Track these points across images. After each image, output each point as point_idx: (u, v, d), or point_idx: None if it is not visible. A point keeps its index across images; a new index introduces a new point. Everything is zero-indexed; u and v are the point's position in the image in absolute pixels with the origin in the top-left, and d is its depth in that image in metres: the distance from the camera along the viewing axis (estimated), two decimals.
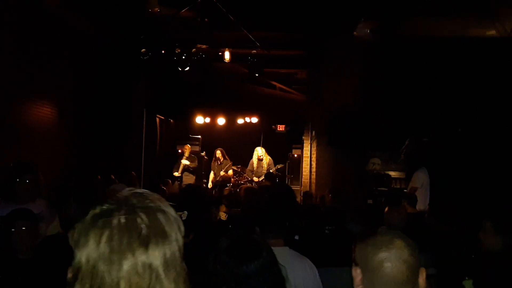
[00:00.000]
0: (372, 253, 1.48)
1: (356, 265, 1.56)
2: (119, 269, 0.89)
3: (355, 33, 6.85)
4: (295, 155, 10.67)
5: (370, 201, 8.44)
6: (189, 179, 10.08)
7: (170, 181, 8.87)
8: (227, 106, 11.49)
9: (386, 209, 4.19)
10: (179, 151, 11.05)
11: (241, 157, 10.60)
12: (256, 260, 1.52)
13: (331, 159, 8.85)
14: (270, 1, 7.02)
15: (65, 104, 8.36)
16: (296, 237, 3.19)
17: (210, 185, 9.99)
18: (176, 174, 10.05)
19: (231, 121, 12.01)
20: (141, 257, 0.91)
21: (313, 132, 9.33)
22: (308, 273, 2.39)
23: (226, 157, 10.17)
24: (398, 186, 9.35)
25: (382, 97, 8.48)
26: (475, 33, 7.57)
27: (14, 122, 7.04)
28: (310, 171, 9.40)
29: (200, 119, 11.88)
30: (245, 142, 11.06)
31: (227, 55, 7.94)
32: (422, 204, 6.69)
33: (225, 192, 7.95)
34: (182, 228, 1.00)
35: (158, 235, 0.94)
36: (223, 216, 4.53)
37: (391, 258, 1.45)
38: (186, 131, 12.21)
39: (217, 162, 10.10)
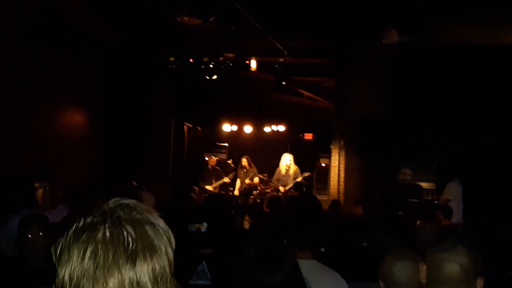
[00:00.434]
0: (434, 252, 1.85)
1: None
2: (105, 287, 0.84)
3: (383, 41, 6.71)
4: (323, 164, 10.52)
5: (400, 213, 8.21)
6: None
7: (197, 188, 8.90)
8: (254, 114, 11.49)
9: (418, 222, 4.03)
10: (206, 158, 11.09)
11: (268, 166, 10.52)
12: (279, 271, 1.48)
13: (359, 169, 8.66)
14: (297, 9, 6.98)
15: (95, 111, 8.56)
16: (322, 250, 3.09)
17: (236, 192, 9.96)
18: (208, 187, 9.98)
19: (258, 129, 11.99)
20: (129, 273, 0.85)
21: (341, 141, 9.16)
22: (335, 287, 2.30)
23: (252, 164, 10.12)
24: (430, 198, 9.07)
25: (411, 105, 8.26)
26: (508, 41, 7.30)
27: (47, 128, 7.26)
28: (338, 181, 9.22)
29: (227, 127, 11.91)
30: (272, 150, 11.00)
31: (253, 64, 7.93)
32: (455, 217, 6.46)
33: (250, 201, 7.89)
34: (173, 240, 0.94)
35: (147, 248, 0.88)
36: (246, 225, 4.47)
37: (449, 259, 1.77)
38: (213, 139, 12.27)
39: (243, 170, 10.07)
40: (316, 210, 2.71)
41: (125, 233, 0.87)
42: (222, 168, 10.74)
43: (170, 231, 0.95)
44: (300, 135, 11.24)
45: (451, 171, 7.73)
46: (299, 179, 9.40)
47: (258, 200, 8.70)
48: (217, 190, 10.03)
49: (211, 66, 7.87)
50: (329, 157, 9.90)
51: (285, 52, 7.66)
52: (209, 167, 10.34)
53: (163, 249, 0.91)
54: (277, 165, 9.82)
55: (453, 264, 1.76)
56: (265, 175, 10.49)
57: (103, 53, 8.63)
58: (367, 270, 2.63)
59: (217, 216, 3.10)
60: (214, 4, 6.62)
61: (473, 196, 7.09)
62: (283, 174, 9.52)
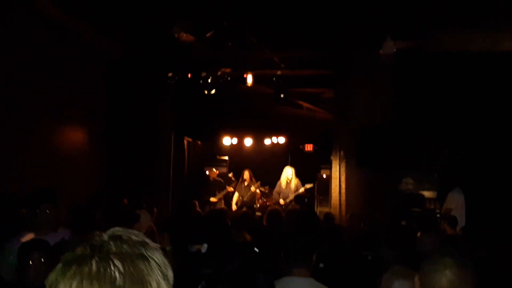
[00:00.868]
0: (425, 265, 1.93)
1: None
2: None
3: (381, 51, 6.73)
4: (324, 176, 10.48)
5: (403, 223, 8.15)
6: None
7: (197, 203, 8.87)
8: (253, 126, 11.50)
9: (419, 234, 4.00)
10: (207, 172, 11.07)
11: (269, 178, 10.49)
12: None
13: (361, 179, 8.61)
14: (293, 21, 7.02)
15: (96, 127, 8.58)
16: (321, 265, 3.04)
17: (234, 207, 9.90)
18: (212, 199, 10.02)
19: (258, 141, 12.00)
20: None
21: (342, 152, 9.13)
22: None
23: (253, 178, 10.10)
24: (432, 207, 9.01)
25: (412, 114, 8.25)
26: (507, 46, 7.31)
27: (49, 145, 7.28)
28: (340, 192, 9.17)
29: (227, 140, 11.92)
30: (273, 162, 10.99)
31: (249, 79, 7.97)
32: (458, 225, 6.41)
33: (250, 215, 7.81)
34: (171, 274, 0.91)
35: (135, 284, 0.85)
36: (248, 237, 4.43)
37: (438, 271, 1.85)
38: (213, 153, 12.26)
39: (244, 183, 10.03)
40: (314, 225, 2.68)
41: (112, 267, 0.85)
42: (224, 181, 10.73)
43: (167, 265, 0.92)
44: (301, 146, 11.23)
45: (452, 179, 7.70)
46: (300, 191, 9.36)
47: (259, 214, 8.65)
48: (221, 201, 10.02)
49: (209, 81, 7.91)
50: (330, 168, 9.87)
51: (282, 65, 7.69)
52: (211, 179, 10.34)
53: (155, 285, 0.87)
54: (278, 177, 9.79)
55: (441, 276, 1.84)
56: (266, 187, 10.46)
57: (104, 69, 8.68)
58: (371, 284, 2.59)
59: (217, 234, 3.07)
60: (211, 20, 6.68)
61: (475, 204, 7.05)
62: (284, 187, 9.49)
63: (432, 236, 4.03)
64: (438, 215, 7.64)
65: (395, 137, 8.19)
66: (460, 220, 6.74)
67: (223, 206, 9.86)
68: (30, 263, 2.54)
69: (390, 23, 6.88)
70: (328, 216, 7.21)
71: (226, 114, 10.88)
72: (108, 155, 8.80)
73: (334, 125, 9.74)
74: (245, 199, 9.95)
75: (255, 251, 3.83)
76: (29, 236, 2.99)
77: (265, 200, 10.23)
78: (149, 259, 0.89)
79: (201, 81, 8.03)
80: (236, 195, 10.12)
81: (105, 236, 0.91)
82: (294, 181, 9.50)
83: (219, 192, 10.04)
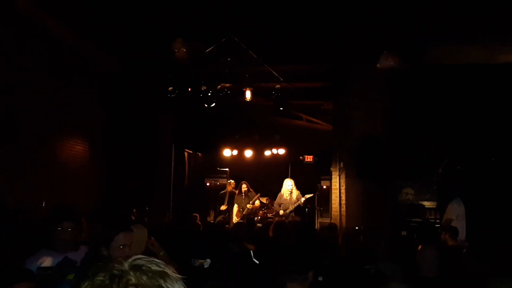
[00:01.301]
0: None
1: None
2: None
3: (378, 65, 6.82)
4: (324, 187, 10.49)
5: (404, 233, 8.15)
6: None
7: (198, 216, 8.89)
8: (254, 138, 11.56)
9: (419, 247, 4.03)
10: (207, 184, 11.12)
11: (270, 189, 10.52)
12: None
13: (361, 190, 8.64)
14: (292, 35, 7.13)
15: (96, 141, 8.66)
16: (320, 279, 3.06)
17: (234, 219, 9.91)
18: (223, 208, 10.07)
19: (258, 153, 12.04)
20: None
21: (341, 163, 9.18)
22: None
23: (251, 189, 10.11)
24: (433, 217, 9.02)
25: (410, 125, 8.32)
26: (503, 59, 7.40)
27: (49, 159, 7.34)
28: (340, 203, 9.20)
29: (227, 152, 11.96)
30: (273, 173, 11.03)
31: (248, 95, 8.05)
32: (459, 236, 6.41)
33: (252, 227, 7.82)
34: None
35: None
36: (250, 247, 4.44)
37: None
38: (214, 164, 12.30)
39: (242, 195, 10.04)
40: (311, 238, 2.72)
41: None
42: (224, 193, 10.74)
43: None
44: (301, 157, 11.25)
45: (452, 189, 7.71)
46: (301, 201, 9.38)
47: (260, 225, 8.66)
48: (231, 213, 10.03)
49: (209, 94, 7.99)
50: (330, 179, 9.90)
51: (281, 79, 7.78)
52: (228, 190, 10.34)
53: None
54: (278, 188, 9.82)
55: None
56: (267, 199, 10.47)
57: (103, 83, 8.78)
58: None
59: (217, 248, 3.11)
60: (211, 35, 6.79)
61: (474, 216, 7.06)
62: (285, 198, 9.52)
63: (433, 249, 4.05)
64: (438, 226, 7.65)
65: (392, 149, 8.24)
66: (461, 231, 6.73)
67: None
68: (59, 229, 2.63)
69: (387, 38, 6.98)
70: (332, 227, 7.17)
71: (226, 126, 10.95)
72: (108, 168, 8.85)
73: (333, 137, 9.80)
74: (244, 211, 9.97)
75: (255, 262, 3.87)
76: (47, 259, 2.87)
77: (266, 211, 10.24)
78: None
79: (201, 95, 8.11)
80: (235, 207, 10.13)
81: (126, 265, 0.91)
82: (295, 193, 9.52)
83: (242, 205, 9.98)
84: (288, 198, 9.46)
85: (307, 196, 9.65)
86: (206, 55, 6.98)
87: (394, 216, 8.58)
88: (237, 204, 10.08)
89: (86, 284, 0.89)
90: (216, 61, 7.26)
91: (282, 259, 2.47)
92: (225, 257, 3.47)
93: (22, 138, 6.57)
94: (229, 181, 10.76)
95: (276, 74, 7.66)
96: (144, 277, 0.89)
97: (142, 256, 0.95)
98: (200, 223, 7.92)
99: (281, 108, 8.45)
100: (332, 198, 9.49)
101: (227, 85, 7.86)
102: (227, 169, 11.98)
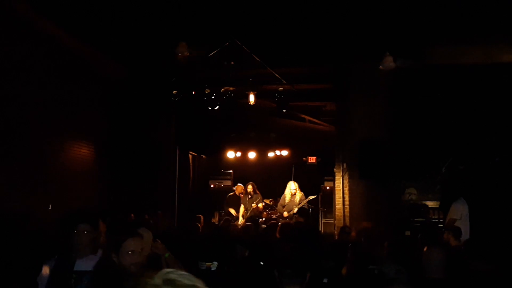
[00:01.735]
0: None
1: None
2: None
3: (380, 66, 6.85)
4: (328, 188, 10.53)
5: (407, 233, 8.17)
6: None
7: (202, 217, 8.94)
8: (257, 140, 11.61)
9: (425, 248, 4.03)
10: (211, 186, 11.17)
11: (273, 190, 10.56)
12: None
13: (364, 191, 8.67)
14: (294, 37, 7.17)
15: (101, 144, 8.73)
16: (325, 280, 3.10)
17: (241, 220, 9.96)
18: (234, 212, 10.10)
19: (261, 155, 12.09)
20: None
21: (344, 164, 9.21)
22: None
23: (257, 191, 10.16)
24: (436, 217, 9.03)
25: (412, 126, 8.34)
26: (506, 58, 7.42)
27: (54, 163, 7.41)
28: (343, 204, 9.23)
29: (231, 154, 12.02)
30: (277, 175, 11.07)
31: (251, 98, 8.11)
32: (462, 237, 6.42)
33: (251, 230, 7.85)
34: None
35: None
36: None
37: None
38: (218, 166, 12.36)
39: (248, 196, 10.10)
40: (315, 240, 2.75)
41: None
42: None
43: None
44: (304, 158, 11.29)
45: (455, 189, 7.71)
46: (304, 203, 9.41)
47: (264, 226, 8.70)
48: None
49: (213, 97, 8.05)
50: (333, 180, 9.93)
51: (284, 81, 7.83)
52: (237, 194, 10.37)
53: None
54: (282, 189, 9.86)
55: None
56: (271, 200, 10.51)
57: (107, 87, 8.85)
58: None
59: (223, 251, 3.15)
60: (214, 39, 6.84)
61: (477, 215, 7.07)
62: (288, 201, 9.56)
63: (439, 249, 4.05)
64: (441, 225, 7.67)
65: (395, 149, 8.26)
66: (465, 231, 6.74)
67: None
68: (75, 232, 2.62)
69: (389, 39, 7.01)
70: (344, 230, 7.12)
71: (230, 128, 11.01)
72: (113, 171, 8.92)
73: (336, 138, 9.83)
74: (249, 212, 10.01)
75: (260, 264, 3.91)
76: (65, 262, 2.79)
77: (270, 212, 10.29)
78: None
79: (204, 98, 8.17)
80: (242, 208, 10.19)
81: (158, 280, 0.94)
82: (299, 195, 9.56)
83: (245, 208, 10.02)
84: (291, 199, 9.51)
85: (311, 197, 9.69)
86: (209, 58, 7.04)
87: (397, 216, 8.60)
88: (243, 204, 10.15)
89: None
90: (220, 65, 7.32)
91: (279, 262, 2.50)
92: (233, 261, 3.51)
93: (26, 142, 6.65)
94: (238, 184, 10.76)
95: (279, 77, 7.71)
96: None
97: (173, 270, 0.98)
98: (200, 224, 7.95)
99: (284, 110, 8.49)
100: (336, 199, 9.52)
101: (231, 88, 7.92)
102: (231, 171, 12.04)
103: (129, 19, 6.74)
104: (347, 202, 9.03)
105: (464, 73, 7.60)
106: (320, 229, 10.07)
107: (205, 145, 11.63)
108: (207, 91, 8.06)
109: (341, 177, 9.31)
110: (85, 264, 2.83)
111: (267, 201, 10.47)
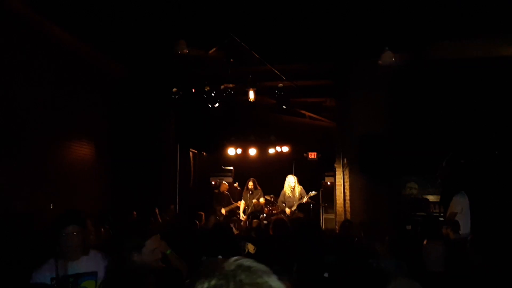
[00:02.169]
0: None
1: None
2: None
3: (380, 62, 6.85)
4: (328, 183, 10.55)
5: (409, 227, 8.19)
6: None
7: (203, 214, 8.97)
8: (257, 136, 11.62)
9: (425, 242, 4.05)
10: (212, 183, 11.21)
11: (274, 187, 10.58)
12: None
13: (365, 186, 8.70)
14: (294, 34, 7.17)
15: (101, 143, 8.75)
16: (326, 275, 3.13)
17: (242, 216, 10.02)
18: (222, 210, 10.19)
19: (262, 151, 12.10)
20: None
21: (345, 160, 9.24)
22: None
23: (258, 187, 10.19)
24: (437, 211, 9.05)
25: (413, 120, 8.34)
26: (506, 52, 7.41)
27: (55, 162, 7.44)
28: (344, 199, 9.26)
29: (232, 151, 12.04)
30: (277, 171, 11.08)
31: (251, 95, 8.12)
32: (462, 230, 6.44)
33: (254, 225, 7.92)
34: None
35: None
36: (251, 249, 4.52)
37: None
38: (218, 163, 12.39)
39: (249, 192, 10.15)
40: (315, 234, 2.77)
41: None
42: (229, 191, 10.84)
43: None
44: (304, 154, 11.30)
45: (456, 183, 7.72)
46: (304, 200, 9.43)
47: (266, 222, 8.74)
48: (227, 214, 10.15)
49: (212, 94, 8.07)
50: (334, 176, 9.96)
51: (284, 78, 7.84)
52: (221, 190, 10.49)
53: None
54: (283, 185, 9.89)
55: None
56: (271, 196, 10.54)
57: (108, 86, 8.87)
58: None
59: (224, 248, 3.18)
60: (214, 36, 6.85)
61: (479, 208, 7.08)
62: (288, 195, 9.58)
63: (439, 243, 4.07)
64: (442, 219, 7.69)
65: (395, 144, 8.27)
66: (466, 225, 6.76)
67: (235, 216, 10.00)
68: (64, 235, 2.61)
69: (388, 34, 7.01)
70: (345, 225, 7.18)
71: (230, 125, 11.02)
72: (114, 169, 8.95)
73: (336, 133, 9.85)
74: (250, 208, 10.05)
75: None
76: (56, 265, 2.72)
77: (271, 208, 10.32)
78: None
79: (204, 95, 8.19)
80: (242, 203, 10.23)
81: (233, 266, 0.95)
82: (298, 189, 9.58)
83: (225, 206, 10.18)
84: (290, 195, 9.53)
85: (311, 194, 9.72)
86: (209, 56, 7.05)
87: (398, 210, 8.62)
88: (244, 200, 10.19)
89: (203, 286, 0.92)
90: (219, 62, 7.33)
91: (265, 259, 2.51)
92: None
93: (28, 142, 6.67)
94: (224, 182, 10.88)
95: (279, 73, 7.71)
96: (254, 276, 0.93)
97: (242, 258, 0.99)
98: (202, 222, 7.99)
99: (284, 106, 8.51)
100: (337, 194, 9.56)
101: (231, 85, 7.93)
102: (231, 168, 12.07)
103: (128, 18, 6.75)
104: (348, 197, 9.07)
105: (464, 67, 7.59)
106: (321, 224, 10.10)
107: (205, 142, 11.65)
108: (207, 88, 8.07)
109: (342, 173, 9.34)
110: (79, 266, 2.78)
111: (268, 197, 10.50)
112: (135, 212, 7.77)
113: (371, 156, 8.38)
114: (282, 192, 9.71)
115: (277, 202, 10.15)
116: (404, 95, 8.23)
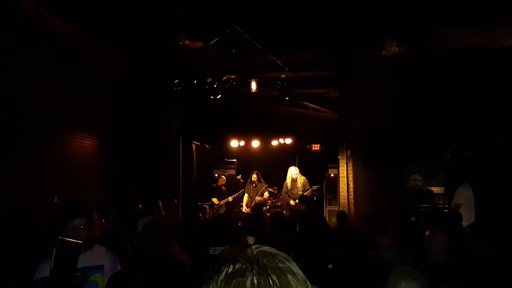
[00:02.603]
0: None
1: None
2: None
3: (383, 52, 6.78)
4: (332, 175, 10.53)
5: (413, 219, 8.17)
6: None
7: (207, 208, 8.99)
8: (260, 128, 11.57)
9: (427, 233, 4.04)
10: (216, 175, 11.21)
11: (277, 179, 10.58)
12: None
13: (368, 178, 8.66)
14: (296, 24, 7.10)
15: (104, 136, 8.75)
16: (330, 266, 3.13)
17: (245, 209, 10.02)
18: (215, 201, 10.20)
19: (265, 143, 12.07)
20: None
21: (348, 151, 9.20)
22: None
23: (262, 180, 10.18)
24: (441, 202, 9.03)
25: (416, 111, 8.29)
26: (509, 42, 7.32)
27: (58, 154, 7.45)
28: (348, 191, 9.24)
29: (234, 143, 12.01)
30: (281, 163, 11.06)
31: (253, 86, 8.07)
32: (467, 221, 6.42)
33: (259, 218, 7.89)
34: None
35: None
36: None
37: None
38: (221, 155, 12.37)
39: (252, 185, 10.14)
40: (318, 226, 2.76)
41: (270, 281, 0.90)
42: (232, 183, 10.84)
43: (308, 282, 0.97)
44: (308, 146, 11.27)
45: (460, 174, 7.69)
46: (306, 193, 9.41)
47: (269, 214, 8.73)
48: (224, 206, 10.17)
49: (215, 86, 8.02)
50: (337, 167, 9.93)
51: (286, 68, 7.78)
52: (219, 184, 10.50)
53: None
54: (286, 177, 9.88)
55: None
56: (275, 188, 10.54)
57: (110, 80, 8.85)
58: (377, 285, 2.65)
59: (226, 240, 3.17)
60: (215, 27, 6.79)
61: (483, 200, 7.05)
62: (291, 187, 9.57)
63: (441, 233, 4.06)
64: (446, 211, 7.66)
65: (398, 135, 8.23)
66: (469, 216, 6.73)
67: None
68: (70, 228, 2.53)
69: (391, 24, 6.93)
70: (341, 216, 7.21)
71: (233, 117, 10.97)
72: (117, 161, 8.96)
73: (340, 125, 9.80)
74: (254, 201, 10.05)
75: None
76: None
77: (274, 200, 10.32)
78: (297, 274, 0.95)
79: (206, 87, 8.15)
80: (245, 196, 10.23)
81: (256, 251, 0.97)
82: (300, 180, 9.56)
83: (219, 200, 10.21)
84: (293, 186, 9.52)
85: (314, 187, 9.71)
86: (211, 47, 7.00)
87: (402, 202, 8.60)
88: (247, 193, 10.18)
89: (227, 269, 0.93)
90: (221, 53, 7.27)
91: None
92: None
93: (30, 134, 6.68)
94: (222, 176, 10.91)
95: (281, 64, 7.65)
96: (277, 261, 0.95)
97: (262, 245, 1.00)
98: (206, 216, 8.00)
99: (287, 98, 8.45)
100: (340, 186, 9.54)
101: (233, 76, 7.88)
102: (234, 160, 12.05)
103: (130, 10, 6.70)
104: (351, 189, 9.04)
105: (468, 57, 7.51)
106: (325, 216, 10.10)
107: (208, 135, 11.63)
108: (209, 80, 8.03)
109: (345, 164, 9.31)
110: (86, 259, 2.68)
111: (271, 190, 10.50)
112: (140, 205, 7.77)
113: (375, 148, 8.34)
114: (285, 183, 9.71)
115: (280, 194, 10.15)
116: (408, 86, 8.17)
